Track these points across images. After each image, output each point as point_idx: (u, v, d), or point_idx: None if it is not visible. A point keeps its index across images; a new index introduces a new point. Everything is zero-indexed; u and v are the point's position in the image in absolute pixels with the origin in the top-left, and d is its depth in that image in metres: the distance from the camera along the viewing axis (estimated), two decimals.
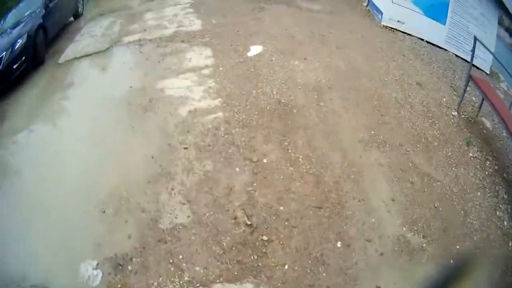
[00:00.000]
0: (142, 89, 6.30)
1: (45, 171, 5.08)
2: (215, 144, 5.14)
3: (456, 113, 6.40)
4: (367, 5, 10.05)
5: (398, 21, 8.50)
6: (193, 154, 5.04)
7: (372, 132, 5.55)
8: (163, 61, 7.05)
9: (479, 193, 5.23)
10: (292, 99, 5.83)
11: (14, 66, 7.06)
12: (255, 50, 7.12)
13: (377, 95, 6.23)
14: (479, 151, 5.85)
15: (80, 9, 11.18)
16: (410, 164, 5.25)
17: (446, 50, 8.16)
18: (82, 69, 7.40)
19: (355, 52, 7.33)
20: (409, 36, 8.42)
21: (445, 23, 8.22)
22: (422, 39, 8.13)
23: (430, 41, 8.23)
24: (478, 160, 5.72)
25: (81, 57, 7.75)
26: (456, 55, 8.11)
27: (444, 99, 6.66)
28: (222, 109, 5.65)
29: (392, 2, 8.57)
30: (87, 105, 6.23)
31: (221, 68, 6.49)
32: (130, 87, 6.41)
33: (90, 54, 7.81)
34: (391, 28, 8.61)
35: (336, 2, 10.34)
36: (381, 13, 8.80)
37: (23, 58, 7.25)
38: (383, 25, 8.65)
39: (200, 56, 7.02)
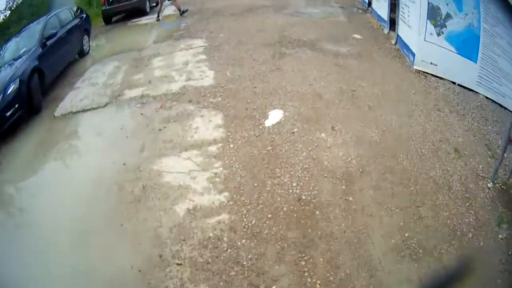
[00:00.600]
0: (136, 169, 5.30)
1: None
2: (215, 262, 4.00)
3: (491, 184, 5.07)
4: (395, 43, 9.07)
5: (431, 63, 7.47)
6: (188, 273, 3.92)
7: (406, 235, 4.29)
8: (165, 129, 6.07)
9: None
10: (315, 194, 4.66)
11: (7, 114, 6.38)
12: (274, 117, 6.03)
13: (414, 177, 4.99)
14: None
15: (86, 47, 10.70)
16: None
17: (476, 92, 7.11)
18: (76, 131, 6.66)
19: (390, 112, 6.15)
20: (441, 80, 7.31)
21: (476, 60, 7.09)
22: (454, 83, 7.22)
23: (462, 84, 7.22)
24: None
25: (78, 112, 7.07)
26: (486, 97, 6.99)
27: (481, 167, 5.35)
28: (228, 209, 4.53)
29: (425, 40, 7.44)
30: (72, 184, 5.32)
31: (232, 145, 5.40)
32: (124, 164, 5.43)
33: (88, 110, 7.08)
34: (423, 72, 7.52)
35: (363, 41, 9.42)
36: (413, 54, 7.75)
37: (17, 105, 6.57)
38: (415, 69, 7.60)
39: (208, 125, 5.99)
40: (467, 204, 4.80)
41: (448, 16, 7.02)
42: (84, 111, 7.13)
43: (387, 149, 5.37)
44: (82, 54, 10.65)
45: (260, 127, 5.81)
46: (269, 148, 5.31)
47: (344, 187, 4.76)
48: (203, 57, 8.58)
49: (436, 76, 7.42)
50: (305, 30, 10.34)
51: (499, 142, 5.56)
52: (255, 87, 6.95)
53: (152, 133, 5.98)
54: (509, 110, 6.82)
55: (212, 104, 6.51)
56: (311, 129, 5.68)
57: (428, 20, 7.15)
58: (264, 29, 10.54)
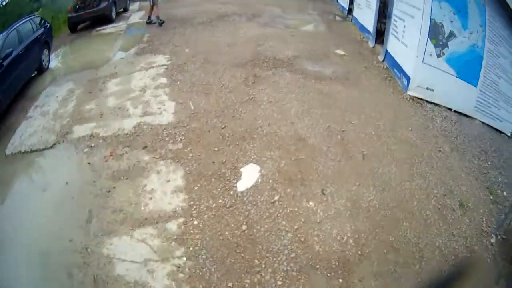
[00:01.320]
0: (84, 250, 4.10)
1: None
2: None
3: (494, 239, 4.47)
4: (383, 60, 8.24)
5: (427, 88, 6.68)
6: None
7: None
8: (114, 191, 4.86)
9: None
10: None
11: None
12: (248, 176, 4.89)
13: (419, 251, 4.09)
14: None
15: (45, 62, 9.60)
16: None
17: (473, 118, 6.55)
18: (21, 183, 5.45)
19: (387, 162, 5.18)
20: (437, 107, 6.56)
21: (476, 84, 6.49)
22: (450, 109, 6.55)
23: (459, 110, 6.58)
24: None
25: (27, 152, 6.01)
26: (482, 122, 6.52)
27: (484, 219, 4.66)
28: None
29: (423, 62, 6.52)
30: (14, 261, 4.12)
31: (196, 222, 4.25)
32: (70, 240, 4.23)
33: (35, 151, 6.00)
34: (418, 98, 6.73)
35: (347, 59, 8.59)
36: (407, 78, 6.87)
37: None
38: (410, 96, 6.80)
39: (167, 187, 4.81)
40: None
41: (451, 34, 6.34)
42: (32, 151, 5.97)
43: (388, 217, 4.38)
44: (41, 70, 9.38)
45: (231, 192, 4.63)
46: (243, 227, 4.16)
47: (341, 280, 3.66)
48: (164, 80, 7.36)
49: (431, 103, 6.61)
50: (282, 44, 9.26)
51: (499, 180, 5.19)
52: (223, 127, 5.79)
53: (100, 196, 4.77)
54: (505, 134, 6.53)
55: (171, 153, 5.32)
56: (295, 194, 4.54)
57: (429, 39, 6.38)
58: (236, 43, 9.39)
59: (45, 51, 9.71)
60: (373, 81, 7.45)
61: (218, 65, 7.93)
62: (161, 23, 11.87)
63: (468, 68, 6.51)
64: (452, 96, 6.59)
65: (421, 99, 6.67)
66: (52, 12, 17.74)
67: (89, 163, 5.39)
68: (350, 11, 13.29)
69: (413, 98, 6.66)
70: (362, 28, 10.71)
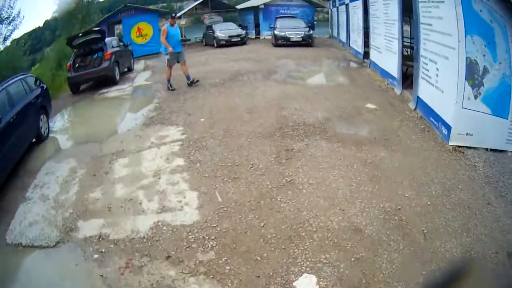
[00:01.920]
0: None
1: None
2: None
3: None
4: (415, 107, 7.73)
5: (467, 134, 6.10)
6: None
7: None
8: None
9: None
10: None
11: None
12: None
13: None
14: None
15: (44, 130, 8.45)
16: None
17: (505, 151, 6.03)
18: None
19: (447, 236, 4.38)
20: (475, 150, 5.98)
21: (507, 116, 5.94)
22: (487, 149, 6.00)
23: (494, 148, 6.06)
24: None
25: (28, 246, 4.86)
26: None
27: None
28: None
29: (462, 107, 5.97)
30: None
31: None
32: None
33: (37, 246, 4.83)
34: (459, 146, 6.09)
35: (379, 113, 7.93)
36: (447, 127, 6.26)
37: None
38: (451, 146, 6.15)
39: None
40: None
41: (485, 71, 5.81)
42: (33, 247, 4.83)
43: None
44: (40, 139, 8.27)
45: None
46: None
47: None
48: (181, 162, 6.26)
49: (470, 147, 6.04)
50: (307, 104, 8.44)
51: None
52: (263, 226, 4.62)
53: None
54: None
55: (203, 266, 4.12)
56: None
57: (466, 81, 5.84)
58: (256, 108, 8.48)
59: (43, 117, 8.56)
60: (413, 137, 6.65)
61: (242, 138, 6.92)
62: (191, 83, 11.18)
63: (500, 102, 5.92)
64: (488, 135, 6.06)
65: (462, 146, 6.08)
66: (52, 69, 16.92)
67: (101, 275, 4.19)
68: (365, 54, 12.98)
69: (455, 148, 6.04)
70: (384, 73, 10.25)
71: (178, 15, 31.11)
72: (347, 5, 17.56)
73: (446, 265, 3.86)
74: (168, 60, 10.56)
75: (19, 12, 17.14)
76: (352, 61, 14.02)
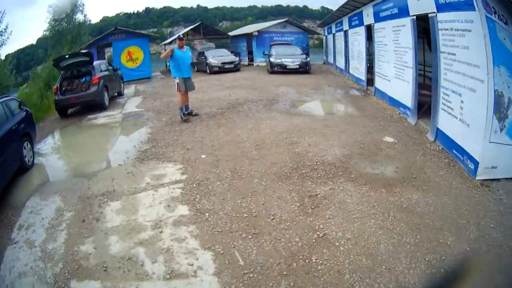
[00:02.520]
0: None
1: None
2: None
3: None
4: (435, 139, 7.19)
5: (492, 167, 5.68)
6: None
7: None
8: None
9: None
10: None
11: None
12: None
13: None
14: None
15: (28, 158, 7.54)
16: None
17: None
18: None
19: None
20: (499, 182, 5.55)
21: None
22: (507, 178, 5.65)
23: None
24: None
25: None
26: None
27: None
28: None
29: (490, 141, 5.55)
30: None
31: None
32: None
33: None
34: (484, 179, 5.59)
35: (400, 147, 7.13)
36: (474, 161, 5.78)
37: None
38: (478, 180, 5.65)
39: None
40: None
41: (510, 102, 5.50)
42: None
43: None
44: (24, 168, 7.26)
45: None
46: None
47: None
48: (185, 211, 5.17)
49: (494, 180, 5.59)
50: (322, 139, 7.56)
51: None
52: None
53: None
54: None
55: None
56: None
57: (494, 115, 5.46)
58: (264, 143, 7.54)
59: (27, 145, 7.56)
60: (440, 173, 5.94)
61: (254, 180, 5.89)
62: (189, 115, 10.03)
63: None
64: (509, 165, 5.73)
65: (487, 179, 5.63)
66: (41, 89, 15.87)
67: None
68: (369, 82, 12.53)
69: (481, 183, 5.52)
70: (394, 102, 9.87)
71: (168, 40, 30.45)
72: (345, 31, 17.12)
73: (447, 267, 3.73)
74: (178, 84, 9.52)
75: (7, 27, 15.99)
76: (355, 89, 13.43)
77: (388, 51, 10.23)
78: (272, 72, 18.86)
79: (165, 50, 30.06)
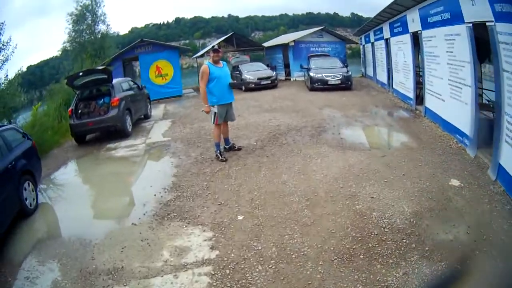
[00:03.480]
0: None
1: None
2: None
3: None
4: (496, 178, 5.88)
5: None
6: None
7: None
8: None
9: None
10: None
11: None
12: None
13: None
14: None
15: (30, 201, 6.41)
16: None
17: None
18: None
19: None
20: None
21: None
22: None
23: None
24: None
25: None
26: None
27: None
28: None
29: None
30: None
31: None
32: None
33: None
34: None
35: (469, 197, 5.59)
36: None
37: None
38: None
39: None
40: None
41: None
42: None
43: None
44: (25, 212, 6.13)
45: None
46: None
47: None
48: None
49: None
50: (384, 187, 6.03)
51: None
52: None
53: None
54: None
55: None
56: None
57: None
58: (316, 195, 5.93)
59: (28, 185, 6.33)
60: (504, 226, 4.73)
61: (308, 264, 4.26)
62: (230, 149, 8.48)
63: None
64: None
65: None
66: (58, 107, 14.36)
67: None
68: (418, 99, 11.38)
69: None
70: (449, 127, 8.45)
71: (200, 53, 29.05)
72: (387, 40, 15.42)
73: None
74: (215, 115, 7.60)
75: (10, 40, 14.40)
76: (403, 109, 11.96)
77: (441, 64, 8.72)
78: (312, 88, 17.33)
79: (198, 63, 28.87)
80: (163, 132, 11.39)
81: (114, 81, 11.95)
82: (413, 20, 10.75)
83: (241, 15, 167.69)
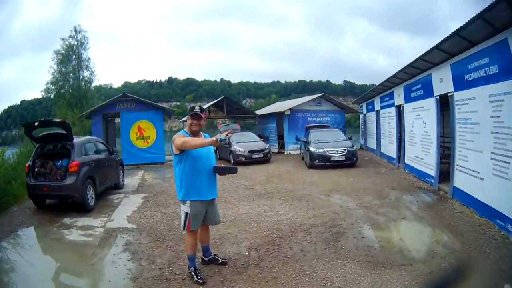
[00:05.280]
0: None
1: None
2: None
3: None
4: None
5: None
6: None
7: None
8: None
9: None
10: None
11: None
12: None
13: None
14: None
15: None
16: None
17: None
18: None
19: None
20: None
21: None
22: None
23: None
24: None
25: None
26: None
27: None
28: None
29: None
30: None
31: None
32: None
33: None
34: None
35: None
36: None
37: None
38: None
39: None
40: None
41: None
42: None
43: None
44: None
45: None
46: None
47: None
48: None
49: None
50: None
51: None
52: None
53: None
54: None
55: None
56: None
57: None
58: None
59: None
60: None
61: None
62: (210, 261, 5.76)
63: None
64: None
65: None
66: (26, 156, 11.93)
67: None
68: (441, 176, 9.86)
69: None
70: (487, 210, 6.97)
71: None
72: (398, 107, 13.96)
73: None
74: (186, 216, 5.04)
75: None
76: (423, 191, 10.18)
77: (481, 133, 7.27)
78: (312, 166, 15.36)
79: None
80: (130, 213, 8.93)
81: (76, 139, 9.71)
82: (442, 79, 9.27)
83: (234, 80, 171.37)
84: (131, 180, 13.52)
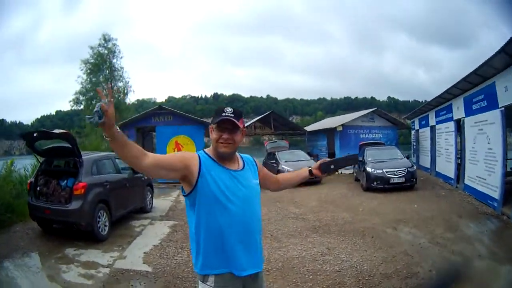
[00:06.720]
0: None
1: None
2: None
3: None
4: None
5: None
6: None
7: None
8: None
9: None
10: None
11: None
12: None
13: None
14: None
15: None
16: None
17: None
18: None
19: None
20: None
21: None
22: None
23: None
24: None
25: None
26: None
27: None
28: None
29: None
30: None
31: None
32: None
33: None
34: None
35: None
36: None
37: None
38: None
39: None
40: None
41: None
42: None
43: None
44: None
45: None
46: None
47: None
48: None
49: None
50: None
51: None
52: None
53: None
54: None
55: None
56: None
57: None
58: None
59: None
60: None
61: None
62: None
63: None
64: None
65: None
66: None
67: None
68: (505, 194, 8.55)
69: None
70: None
71: None
72: (458, 121, 12.27)
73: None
74: None
75: None
76: (487, 216, 8.68)
77: None
78: (369, 188, 13.29)
79: None
80: (149, 249, 7.02)
81: (87, 156, 7.99)
82: (506, 88, 8.19)
83: (280, 97, 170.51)
84: (162, 201, 11.73)
